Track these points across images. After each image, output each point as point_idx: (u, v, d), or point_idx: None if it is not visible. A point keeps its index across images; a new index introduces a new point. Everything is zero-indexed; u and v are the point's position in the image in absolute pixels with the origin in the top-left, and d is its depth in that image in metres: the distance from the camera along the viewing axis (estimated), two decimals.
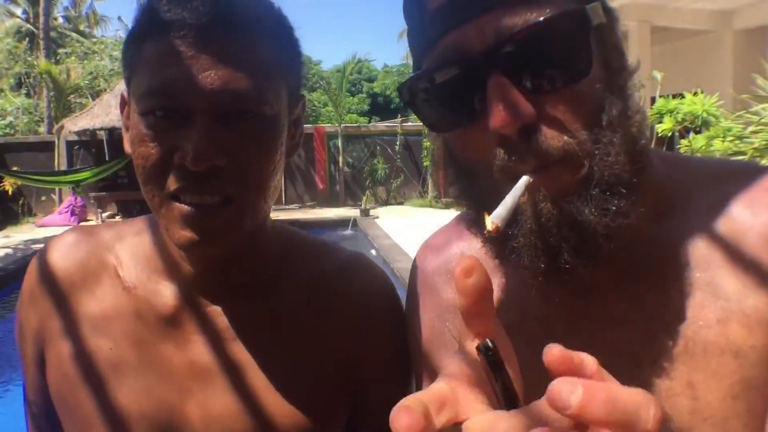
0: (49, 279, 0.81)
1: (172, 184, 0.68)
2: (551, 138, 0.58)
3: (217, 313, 0.79)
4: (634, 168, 0.60)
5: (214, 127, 0.66)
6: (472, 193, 0.64)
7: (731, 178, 0.68)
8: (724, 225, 0.65)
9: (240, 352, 0.78)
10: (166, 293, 0.80)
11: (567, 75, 0.60)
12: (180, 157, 0.66)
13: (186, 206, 0.68)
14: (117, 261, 0.82)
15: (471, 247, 0.81)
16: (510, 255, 0.61)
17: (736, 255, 0.63)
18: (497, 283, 0.75)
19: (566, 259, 0.58)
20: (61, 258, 0.83)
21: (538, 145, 0.57)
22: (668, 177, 0.70)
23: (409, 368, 0.85)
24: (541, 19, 0.58)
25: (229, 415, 0.76)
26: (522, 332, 0.63)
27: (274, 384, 0.77)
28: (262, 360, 0.78)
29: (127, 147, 0.74)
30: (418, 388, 0.83)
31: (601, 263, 0.60)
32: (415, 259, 0.89)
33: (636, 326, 0.65)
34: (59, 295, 0.80)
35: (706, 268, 0.64)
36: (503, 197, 0.51)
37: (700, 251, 0.65)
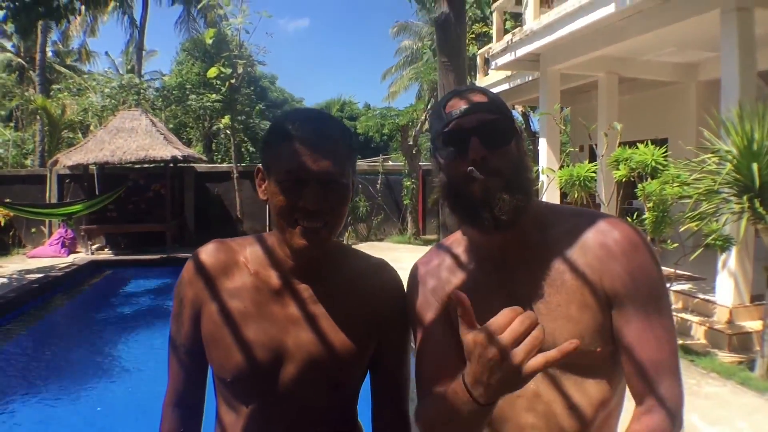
0: (201, 269, 1.37)
1: (295, 215, 1.26)
2: (493, 165, 1.22)
3: (304, 288, 1.38)
4: (527, 190, 1.26)
5: (319, 188, 1.25)
6: (456, 199, 1.28)
7: (579, 216, 1.31)
8: (572, 242, 1.30)
9: (316, 309, 1.36)
10: (275, 276, 1.38)
11: (502, 142, 1.25)
12: (302, 203, 1.25)
13: (303, 228, 1.26)
14: (245, 258, 1.40)
15: (445, 261, 1.46)
16: (468, 217, 1.27)
17: (577, 262, 1.27)
18: (461, 275, 1.37)
19: (495, 214, 1.21)
20: (208, 257, 1.39)
21: (487, 166, 1.21)
22: (546, 212, 1.36)
23: (407, 326, 1.45)
24: (495, 117, 1.25)
25: (310, 343, 1.34)
26: (475, 298, 1.20)
27: (336, 326, 1.36)
28: (328, 314, 1.37)
29: (262, 196, 1.34)
30: (414, 337, 1.43)
31: (509, 231, 1.24)
32: (413, 267, 1.50)
33: (529, 291, 1.28)
34: (208, 278, 1.36)
35: (563, 263, 1.27)
36: (472, 200, 1.21)
37: (560, 254, 1.28)
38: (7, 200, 13.84)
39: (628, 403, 1.28)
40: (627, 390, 1.27)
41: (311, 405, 1.35)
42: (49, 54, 29.97)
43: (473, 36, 19.34)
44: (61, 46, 31.38)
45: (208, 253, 1.40)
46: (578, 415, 1.24)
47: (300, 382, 1.33)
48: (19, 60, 27.80)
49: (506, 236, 1.27)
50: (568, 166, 7.43)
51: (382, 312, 1.43)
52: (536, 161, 11.15)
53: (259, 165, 1.35)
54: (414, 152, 17.05)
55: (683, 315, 7.07)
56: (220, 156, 24.45)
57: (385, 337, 1.44)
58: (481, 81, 15.48)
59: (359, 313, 1.40)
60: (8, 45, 29.05)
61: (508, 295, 1.29)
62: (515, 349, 0.98)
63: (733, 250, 6.37)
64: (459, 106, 1.25)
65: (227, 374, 1.33)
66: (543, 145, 11.14)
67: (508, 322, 0.99)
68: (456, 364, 1.19)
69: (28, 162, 21.49)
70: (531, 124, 20.03)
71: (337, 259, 1.44)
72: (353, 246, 1.63)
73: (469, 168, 1.20)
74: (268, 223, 16.32)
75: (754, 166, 4.95)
